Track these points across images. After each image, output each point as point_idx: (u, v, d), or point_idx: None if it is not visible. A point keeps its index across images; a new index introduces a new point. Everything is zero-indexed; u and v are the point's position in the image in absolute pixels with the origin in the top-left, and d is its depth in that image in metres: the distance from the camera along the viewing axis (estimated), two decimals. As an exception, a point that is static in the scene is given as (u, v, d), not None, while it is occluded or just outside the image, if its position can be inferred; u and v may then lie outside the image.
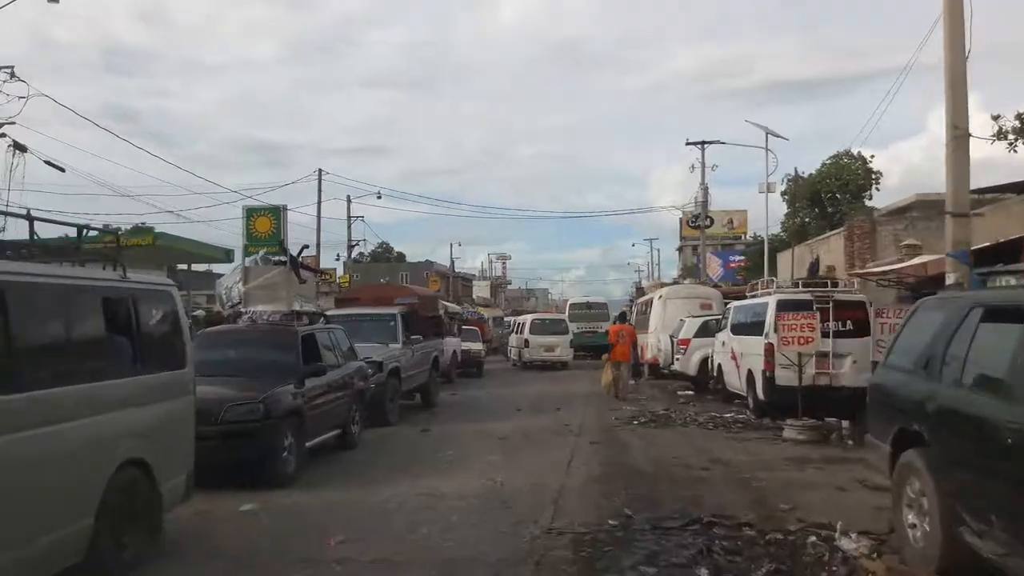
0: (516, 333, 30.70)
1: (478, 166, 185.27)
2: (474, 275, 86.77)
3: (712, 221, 57.58)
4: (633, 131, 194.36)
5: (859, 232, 24.72)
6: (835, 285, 14.30)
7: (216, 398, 8.03)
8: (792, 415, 11.95)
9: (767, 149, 27.26)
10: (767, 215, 30.31)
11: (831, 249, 28.37)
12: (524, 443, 11.60)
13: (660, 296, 24.44)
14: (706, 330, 18.72)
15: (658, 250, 71.85)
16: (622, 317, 23.24)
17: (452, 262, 67.89)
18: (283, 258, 11.60)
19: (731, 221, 57.09)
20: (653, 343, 22.93)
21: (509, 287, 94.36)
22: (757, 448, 11.15)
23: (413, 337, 15.16)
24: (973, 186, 11.90)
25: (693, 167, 33.76)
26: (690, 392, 18.52)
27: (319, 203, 33.77)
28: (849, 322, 13.01)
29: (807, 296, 13.45)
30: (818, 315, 12.80)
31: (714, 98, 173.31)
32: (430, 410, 15.82)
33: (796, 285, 15.21)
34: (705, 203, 33.29)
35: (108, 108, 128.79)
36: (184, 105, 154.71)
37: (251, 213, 30.19)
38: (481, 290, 78.11)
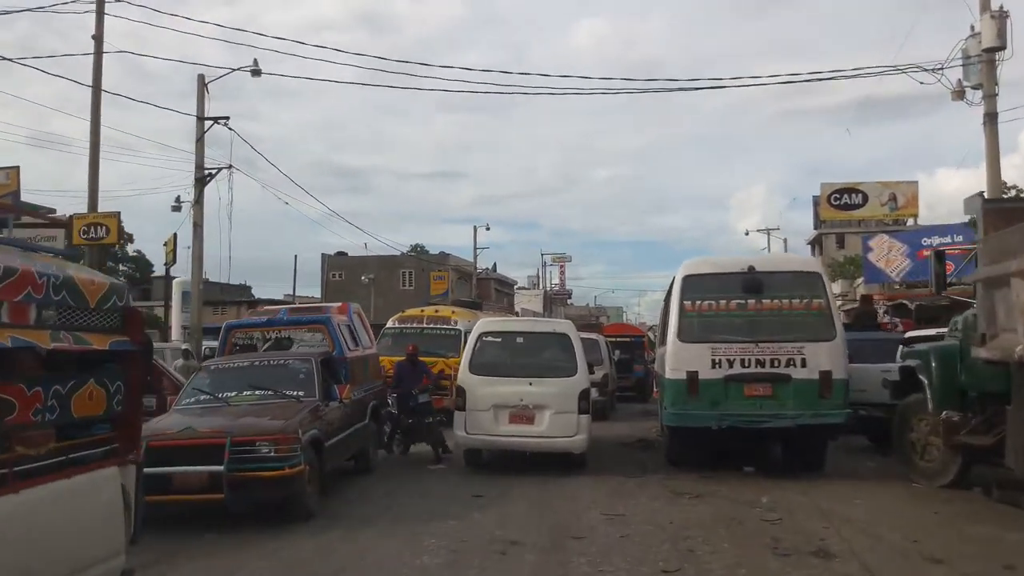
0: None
1: (552, 190, 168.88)
2: (524, 285, 69.19)
3: (864, 198, 38.72)
4: (711, 152, 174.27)
5: None
6: None
7: None
8: None
9: None
10: None
11: None
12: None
13: None
14: None
15: (784, 239, 51.20)
16: None
17: (475, 253, 48.18)
18: None
19: (893, 197, 37.82)
20: None
21: (570, 303, 74.69)
22: None
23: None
24: None
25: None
26: None
27: (97, 70, 16.50)
28: None
29: None
30: None
31: (795, 117, 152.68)
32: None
33: None
34: (994, 53, 14.20)
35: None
36: (267, 129, 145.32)
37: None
38: (530, 302, 60.28)
